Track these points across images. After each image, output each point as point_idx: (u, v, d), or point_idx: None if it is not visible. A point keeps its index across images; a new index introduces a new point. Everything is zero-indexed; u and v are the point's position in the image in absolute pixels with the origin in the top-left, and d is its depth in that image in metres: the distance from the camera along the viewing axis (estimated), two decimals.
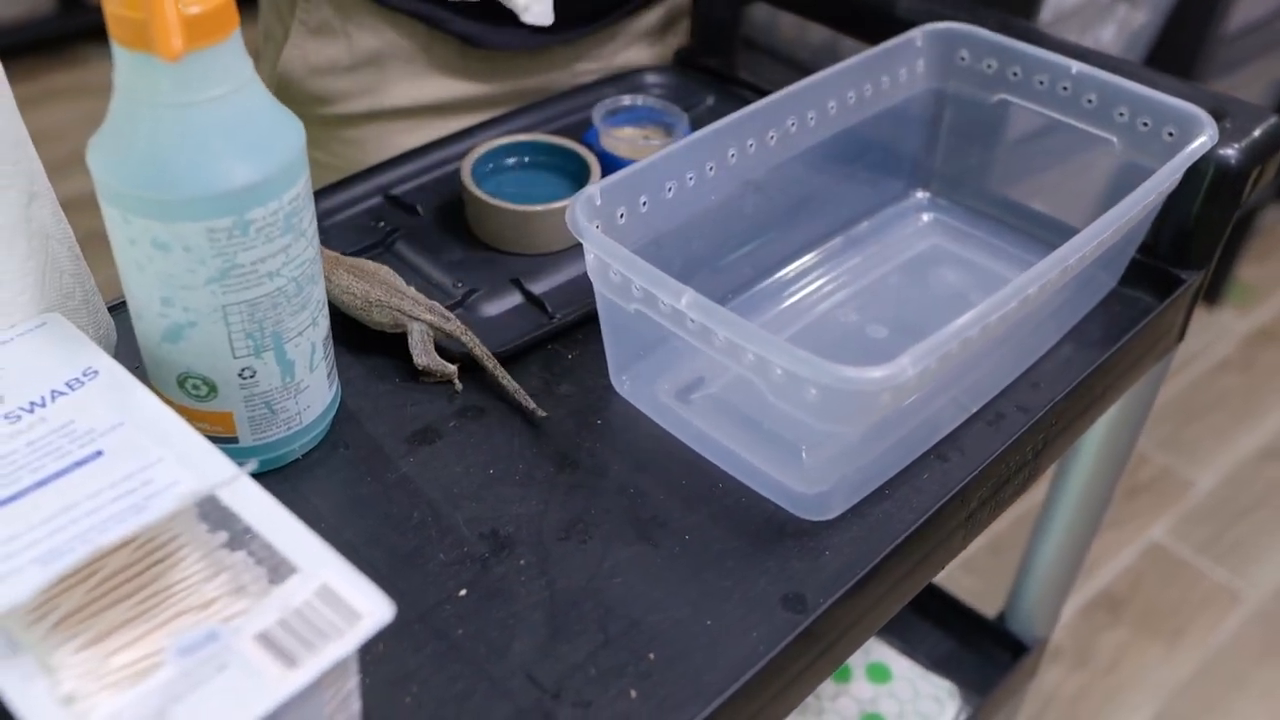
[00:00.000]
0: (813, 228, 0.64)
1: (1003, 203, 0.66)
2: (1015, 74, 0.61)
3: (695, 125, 0.65)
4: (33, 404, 0.42)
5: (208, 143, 0.40)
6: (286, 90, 0.78)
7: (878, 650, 0.90)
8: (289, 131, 0.43)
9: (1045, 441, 0.55)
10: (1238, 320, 1.88)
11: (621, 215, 0.51)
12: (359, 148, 0.78)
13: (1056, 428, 0.56)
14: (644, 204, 0.52)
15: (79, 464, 0.40)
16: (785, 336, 0.58)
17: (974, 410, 0.53)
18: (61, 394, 0.43)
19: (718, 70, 0.78)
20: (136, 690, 0.33)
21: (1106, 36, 1.33)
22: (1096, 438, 0.76)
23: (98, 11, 2.62)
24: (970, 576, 1.35)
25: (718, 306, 0.43)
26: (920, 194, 0.68)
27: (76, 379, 0.43)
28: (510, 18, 0.74)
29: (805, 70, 0.59)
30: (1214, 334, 1.85)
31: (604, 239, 0.46)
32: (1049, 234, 0.63)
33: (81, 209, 0.51)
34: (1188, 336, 0.68)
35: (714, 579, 0.45)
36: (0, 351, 0.44)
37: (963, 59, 0.63)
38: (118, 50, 0.39)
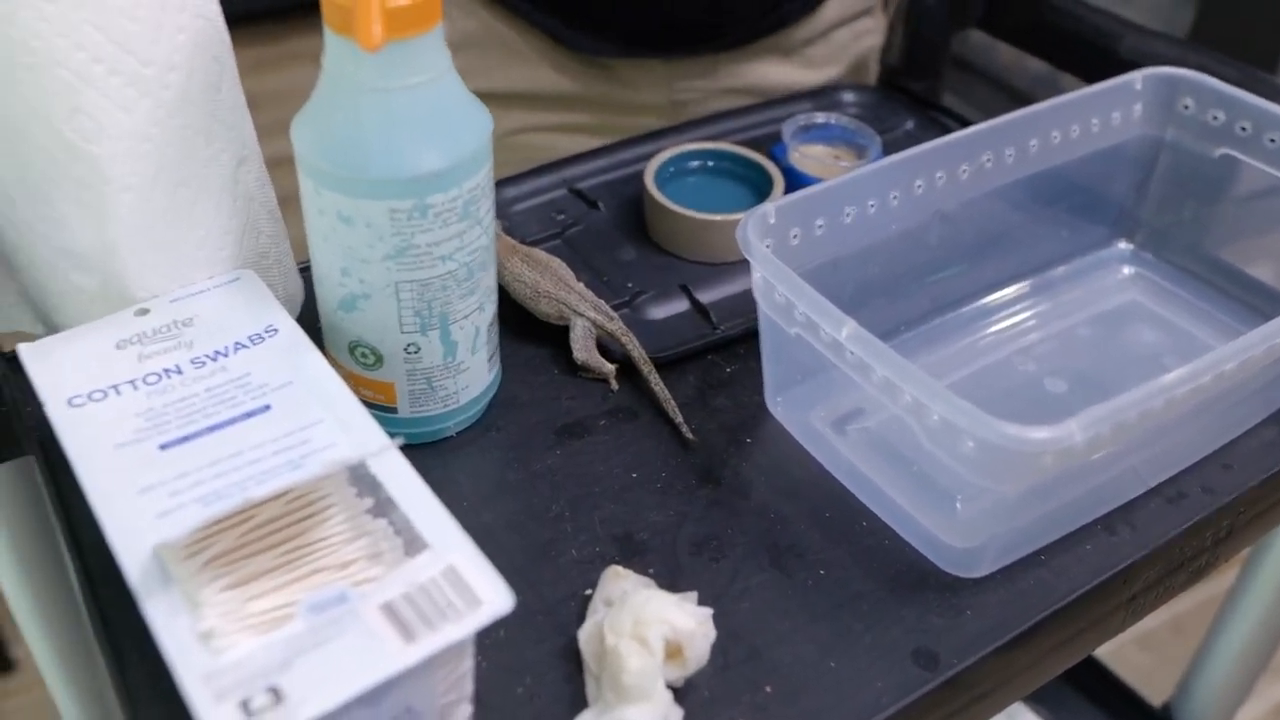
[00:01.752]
0: (1001, 267, 0.61)
1: (1216, 264, 0.61)
2: (1244, 129, 0.57)
3: (890, 149, 0.64)
4: (217, 353, 0.45)
5: (399, 128, 0.41)
6: None
7: (1023, 717, 0.85)
8: (477, 124, 0.44)
9: (1230, 529, 0.51)
10: None
11: (795, 236, 0.50)
12: None
13: (1245, 516, 0.51)
14: (820, 227, 0.50)
15: (248, 415, 0.42)
16: (956, 378, 0.56)
17: (1152, 484, 0.50)
18: (243, 347, 0.45)
19: (921, 95, 0.76)
20: (268, 638, 0.34)
21: None
22: None
23: None
24: (1144, 653, 1.27)
25: (879, 342, 0.42)
26: (1123, 245, 0.64)
27: (258, 335, 0.46)
28: (603, 22, 0.75)
29: (1021, 98, 0.56)
30: None
31: (771, 259, 0.45)
32: (1265, 303, 0.58)
33: (293, 170, 0.54)
34: None
35: (845, 620, 0.43)
36: (196, 301, 0.47)
37: (1186, 107, 0.59)
38: (328, 33, 0.41)
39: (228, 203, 0.48)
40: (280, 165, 0.51)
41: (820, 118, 0.67)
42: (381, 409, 0.49)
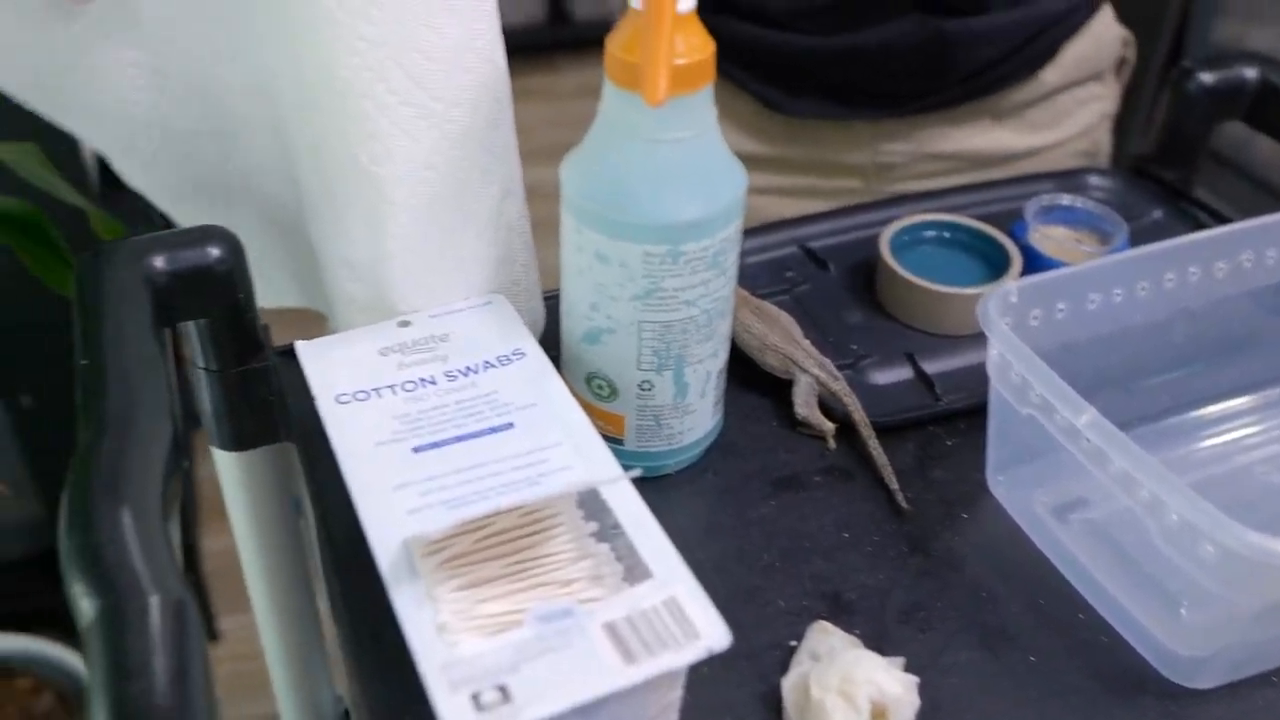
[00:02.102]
0: (1249, 371, 0.58)
1: None
2: None
3: (1137, 238, 0.62)
4: (469, 369, 0.48)
5: (665, 178, 0.44)
6: None
7: None
8: (734, 179, 0.46)
9: None
10: None
11: (1035, 317, 0.49)
12: None
13: None
14: (1061, 310, 0.50)
15: (493, 430, 0.45)
16: (1191, 479, 0.54)
17: None
18: (492, 366, 0.48)
19: (1173, 184, 0.73)
20: (497, 639, 0.37)
21: None
22: None
23: (580, 26, 2.91)
24: None
25: (1119, 432, 0.41)
26: None
27: (506, 356, 0.49)
28: (810, 87, 0.75)
29: (1276, 193, 0.54)
30: None
31: (1012, 338, 0.45)
32: None
33: (530, 198, 0.58)
34: None
35: (1055, 712, 0.42)
36: (453, 319, 0.51)
37: None
38: (608, 84, 0.44)
39: (490, 232, 0.52)
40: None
41: (1065, 199, 0.66)
42: (609, 439, 0.51)
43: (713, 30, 0.43)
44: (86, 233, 0.80)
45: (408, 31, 0.44)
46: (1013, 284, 0.48)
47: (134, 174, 0.59)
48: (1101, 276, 0.50)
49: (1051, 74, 0.77)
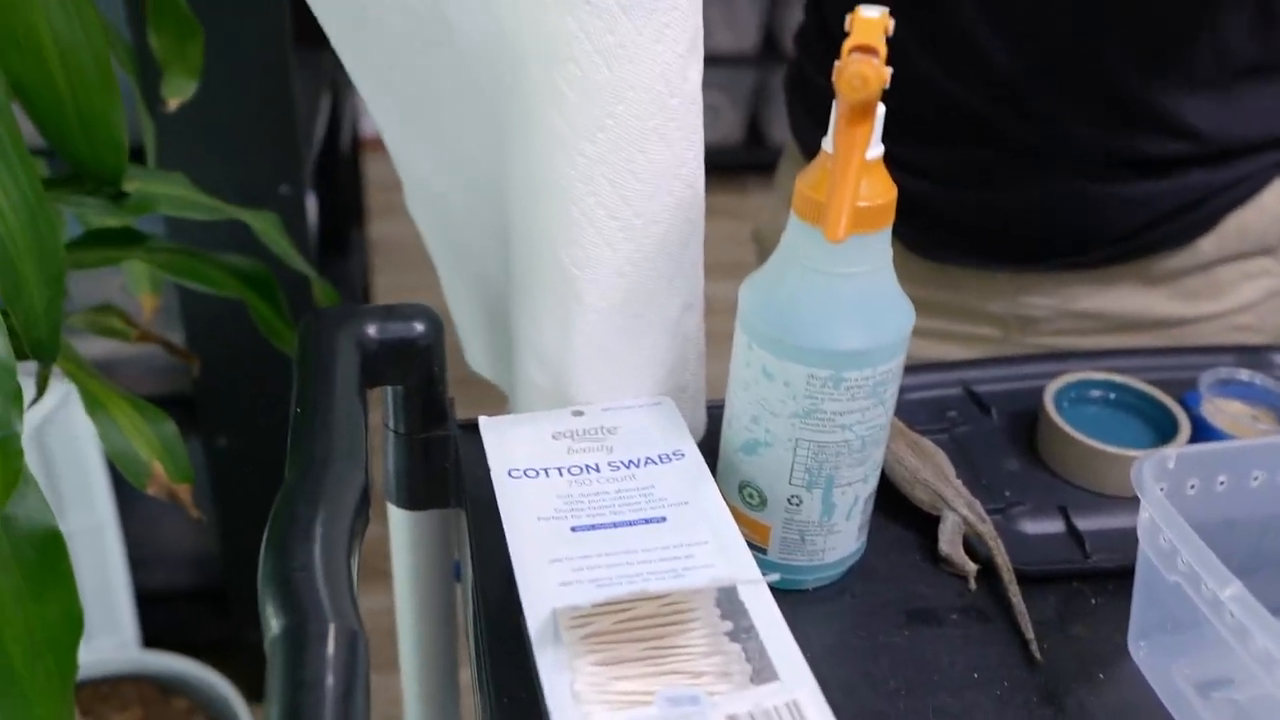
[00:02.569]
0: None
1: None
2: None
3: None
4: (630, 462, 0.52)
5: (836, 308, 0.47)
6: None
7: None
8: (901, 317, 0.49)
9: None
10: None
11: (1192, 487, 0.49)
12: None
13: None
14: (1221, 483, 0.50)
15: (646, 521, 0.48)
16: None
17: None
18: (652, 462, 0.52)
19: None
20: (625, 714, 0.39)
21: None
22: None
23: (773, 151, 2.99)
24: None
25: (1263, 609, 0.40)
26: None
27: (666, 455, 0.52)
28: (952, 236, 0.75)
29: None
30: None
31: (1163, 502, 0.46)
32: None
33: (705, 311, 0.62)
34: None
35: None
36: (621, 414, 0.55)
37: None
38: (793, 216, 0.48)
39: (667, 339, 0.56)
40: None
41: (1244, 374, 0.65)
42: (753, 547, 0.53)
43: None
44: (307, 297, 0.90)
45: (624, 154, 0.49)
46: (1172, 450, 0.49)
47: (413, 203, 0.67)
48: (1267, 455, 0.50)
49: (1209, 244, 0.76)
